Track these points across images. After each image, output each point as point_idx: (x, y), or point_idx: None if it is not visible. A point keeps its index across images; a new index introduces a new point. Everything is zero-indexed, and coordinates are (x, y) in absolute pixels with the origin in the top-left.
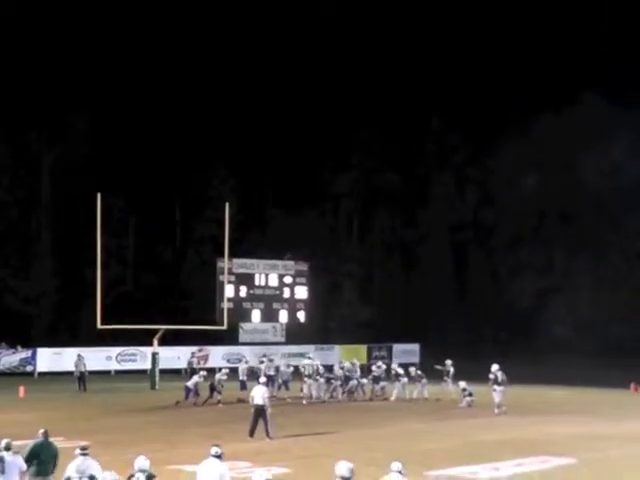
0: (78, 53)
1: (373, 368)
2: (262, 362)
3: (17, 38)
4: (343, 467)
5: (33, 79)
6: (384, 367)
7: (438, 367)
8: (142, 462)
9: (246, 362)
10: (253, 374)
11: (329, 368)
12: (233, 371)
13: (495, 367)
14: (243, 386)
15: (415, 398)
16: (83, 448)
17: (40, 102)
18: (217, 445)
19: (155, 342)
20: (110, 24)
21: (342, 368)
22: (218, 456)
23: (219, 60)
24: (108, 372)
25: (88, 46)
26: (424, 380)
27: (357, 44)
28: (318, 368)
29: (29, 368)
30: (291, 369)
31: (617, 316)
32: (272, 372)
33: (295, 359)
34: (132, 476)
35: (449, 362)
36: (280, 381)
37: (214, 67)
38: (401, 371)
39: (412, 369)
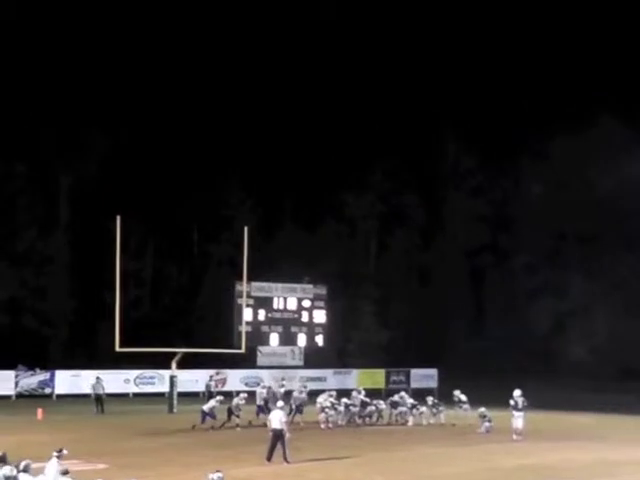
0: (96, 75)
1: (396, 398)
2: (282, 386)
3: (35, 59)
4: None
5: (52, 101)
6: (407, 397)
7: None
8: None
9: (267, 387)
10: (273, 398)
11: (346, 393)
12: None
13: (517, 392)
14: (262, 410)
15: (432, 423)
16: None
17: (59, 123)
18: (219, 470)
19: (173, 365)
20: (129, 47)
21: (360, 393)
22: None
23: (238, 82)
24: (126, 395)
25: (107, 68)
26: (441, 408)
27: (376, 66)
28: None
29: (47, 390)
30: (304, 395)
31: (636, 340)
32: (303, 394)
33: (313, 383)
34: None
35: (457, 392)
36: (293, 406)
37: (232, 89)
38: (416, 402)
39: (429, 398)
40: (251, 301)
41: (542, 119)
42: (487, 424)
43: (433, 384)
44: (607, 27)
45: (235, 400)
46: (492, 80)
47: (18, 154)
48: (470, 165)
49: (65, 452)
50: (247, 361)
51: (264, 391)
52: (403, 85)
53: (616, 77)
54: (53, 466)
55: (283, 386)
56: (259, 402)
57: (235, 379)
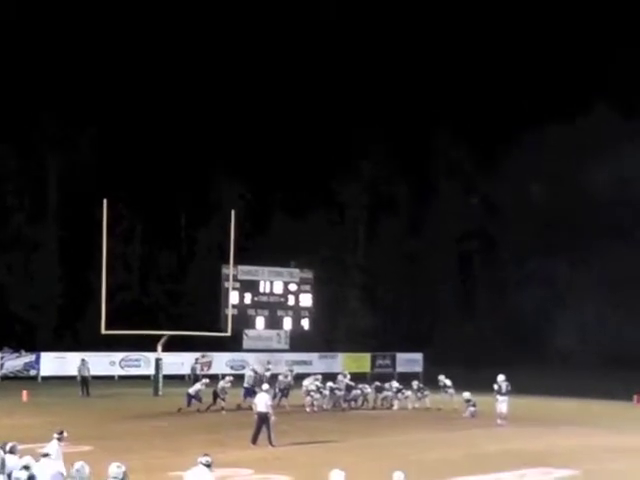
0: (83, 60)
1: (386, 386)
2: (268, 370)
3: (23, 46)
4: (336, 476)
5: (39, 86)
6: (395, 385)
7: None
8: (114, 469)
9: (254, 370)
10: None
11: (332, 377)
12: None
13: (501, 377)
14: (249, 393)
15: (417, 408)
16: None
17: (46, 109)
18: (207, 454)
19: (159, 348)
20: (115, 33)
21: (345, 377)
22: (208, 465)
23: (226, 69)
24: (112, 377)
25: (93, 54)
26: (426, 392)
27: (366, 53)
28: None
29: (33, 372)
30: (289, 379)
31: (622, 328)
32: (289, 379)
33: (299, 366)
34: None
35: (442, 377)
36: (277, 390)
37: (221, 76)
38: (401, 386)
39: (415, 383)
40: (237, 284)
41: (533, 109)
42: (472, 409)
43: (418, 368)
44: (601, 15)
45: (221, 383)
46: (483, 69)
47: (7, 139)
48: (460, 152)
49: (65, 434)
50: (233, 344)
51: (253, 374)
52: (394, 74)
53: (607, 68)
54: (54, 448)
55: (269, 370)
56: (248, 385)
57: (221, 362)
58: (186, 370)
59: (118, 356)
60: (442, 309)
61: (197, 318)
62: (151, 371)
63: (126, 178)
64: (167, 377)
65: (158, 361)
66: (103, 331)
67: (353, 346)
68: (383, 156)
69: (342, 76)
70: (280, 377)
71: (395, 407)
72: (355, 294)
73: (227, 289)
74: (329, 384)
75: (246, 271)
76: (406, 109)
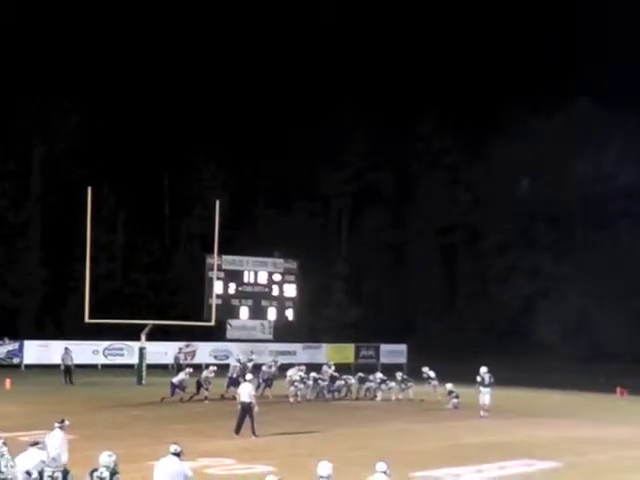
0: (69, 46)
1: (369, 377)
2: (251, 360)
3: (8, 29)
4: (324, 467)
5: (24, 71)
6: (379, 376)
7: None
8: (105, 458)
9: (238, 360)
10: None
11: (316, 367)
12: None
13: (483, 369)
14: (232, 383)
15: (400, 399)
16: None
17: (31, 94)
18: (176, 443)
19: (142, 337)
20: (101, 18)
21: (330, 367)
22: (177, 454)
23: (212, 57)
24: (95, 366)
25: (79, 39)
26: (410, 383)
27: (350, 43)
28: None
29: (16, 360)
30: (273, 369)
31: (604, 320)
32: (273, 370)
33: (283, 357)
34: (95, 470)
35: (426, 368)
36: (261, 380)
37: (207, 64)
38: (385, 377)
39: (399, 374)
40: (221, 274)
41: (517, 101)
42: (455, 400)
43: (402, 360)
44: (584, 9)
45: (204, 373)
46: (469, 59)
47: None
48: (444, 144)
49: (67, 422)
50: (217, 334)
51: (238, 364)
52: (378, 63)
53: (593, 62)
54: (57, 437)
55: (252, 360)
56: (234, 375)
57: (204, 352)
58: (170, 359)
59: (102, 345)
60: (426, 300)
61: (181, 307)
62: (135, 360)
63: (110, 166)
64: (151, 366)
65: (142, 350)
66: (87, 320)
67: (337, 337)
68: (367, 147)
69: (326, 68)
70: (264, 367)
71: (378, 398)
72: (339, 285)
73: (211, 279)
74: (313, 374)
75: (230, 261)
76: (391, 100)
